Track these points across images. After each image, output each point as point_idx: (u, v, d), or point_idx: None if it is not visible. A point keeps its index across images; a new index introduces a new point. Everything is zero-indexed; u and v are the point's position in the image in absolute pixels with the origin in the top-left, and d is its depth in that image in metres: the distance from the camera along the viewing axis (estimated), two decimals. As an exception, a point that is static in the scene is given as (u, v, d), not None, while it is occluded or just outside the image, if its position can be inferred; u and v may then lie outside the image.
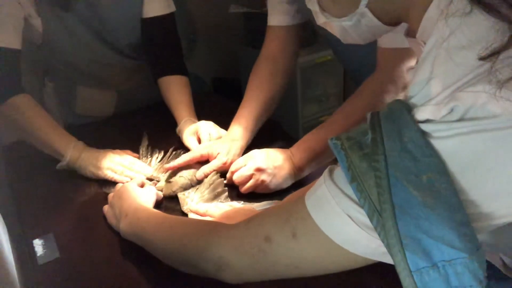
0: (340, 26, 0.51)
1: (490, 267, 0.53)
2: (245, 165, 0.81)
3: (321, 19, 0.52)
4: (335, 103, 2.20)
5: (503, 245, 0.51)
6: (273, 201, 0.78)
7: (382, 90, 0.78)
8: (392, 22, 0.48)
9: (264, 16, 0.97)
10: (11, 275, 0.68)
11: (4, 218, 0.84)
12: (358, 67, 1.01)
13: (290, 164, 0.81)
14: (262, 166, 0.79)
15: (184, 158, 0.87)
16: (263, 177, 0.79)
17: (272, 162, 0.80)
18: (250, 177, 0.80)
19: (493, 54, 0.34)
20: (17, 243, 0.82)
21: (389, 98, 0.79)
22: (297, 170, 0.82)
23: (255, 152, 0.83)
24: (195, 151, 0.89)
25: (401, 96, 0.78)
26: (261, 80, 0.97)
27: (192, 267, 0.56)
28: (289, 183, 0.82)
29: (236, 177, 0.81)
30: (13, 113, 0.93)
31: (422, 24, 0.43)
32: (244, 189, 0.80)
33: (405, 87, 0.77)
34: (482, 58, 0.34)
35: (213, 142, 0.93)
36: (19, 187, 0.93)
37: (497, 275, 0.53)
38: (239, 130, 0.91)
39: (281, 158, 0.81)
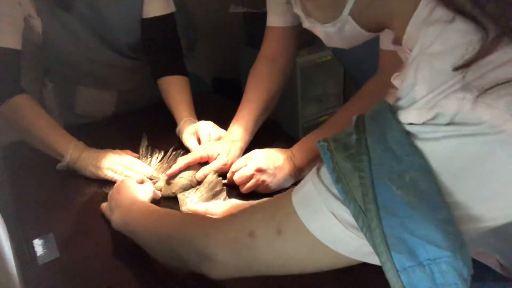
0: (324, 31, 0.52)
1: (487, 268, 0.54)
2: (245, 165, 0.81)
3: (306, 24, 0.53)
4: (335, 103, 2.20)
5: (501, 250, 0.51)
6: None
7: (384, 92, 0.78)
8: (375, 29, 0.49)
9: (264, 16, 0.97)
10: (11, 275, 0.68)
11: (4, 218, 0.85)
12: (357, 68, 1.01)
13: (290, 165, 0.81)
14: (263, 166, 0.79)
15: (184, 160, 0.86)
16: (264, 177, 0.79)
17: (272, 163, 0.80)
18: (250, 177, 0.80)
19: (466, 65, 0.34)
20: (17, 243, 0.82)
21: (390, 100, 0.79)
22: (297, 170, 0.82)
23: (256, 152, 0.84)
24: (195, 153, 0.89)
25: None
26: (260, 80, 0.97)
27: (176, 259, 0.56)
28: (289, 183, 0.82)
29: (237, 177, 0.81)
30: (13, 114, 0.93)
31: (407, 32, 0.44)
32: (244, 189, 0.80)
33: None
34: (455, 69, 0.34)
35: (212, 143, 0.92)
36: (19, 187, 0.93)
37: (495, 276, 0.53)
38: (238, 131, 0.91)
39: (281, 158, 0.82)
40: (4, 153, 1.09)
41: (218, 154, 0.87)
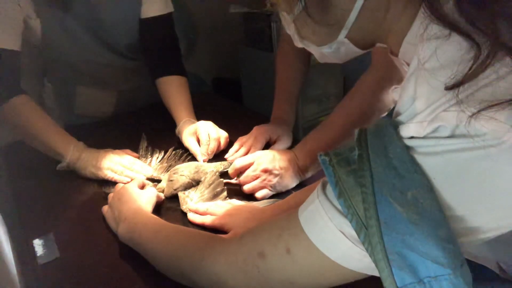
0: (319, 52, 0.52)
1: (486, 268, 0.54)
2: (251, 166, 0.82)
3: (299, 44, 0.53)
4: (335, 103, 2.19)
5: (501, 256, 0.51)
6: (274, 199, 0.78)
7: (378, 86, 0.79)
8: (370, 46, 0.50)
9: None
10: (11, 275, 0.68)
11: (4, 218, 0.85)
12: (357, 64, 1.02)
13: (295, 166, 0.82)
14: (269, 167, 0.80)
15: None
16: (270, 177, 0.79)
17: (278, 164, 0.81)
18: (256, 177, 0.80)
19: (457, 85, 0.34)
20: (17, 243, 0.82)
21: (385, 94, 0.79)
22: (301, 171, 0.82)
23: (261, 153, 0.84)
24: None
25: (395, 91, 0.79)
26: (290, 59, 1.03)
27: (186, 279, 0.56)
28: (294, 184, 0.82)
29: (243, 178, 0.81)
30: (13, 115, 0.93)
31: (402, 48, 0.44)
32: (248, 189, 0.80)
33: (400, 80, 0.77)
34: (446, 88, 0.34)
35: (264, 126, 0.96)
36: (19, 187, 0.93)
37: (494, 276, 0.53)
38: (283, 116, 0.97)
39: (286, 159, 0.82)
40: (4, 153, 1.09)
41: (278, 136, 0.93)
